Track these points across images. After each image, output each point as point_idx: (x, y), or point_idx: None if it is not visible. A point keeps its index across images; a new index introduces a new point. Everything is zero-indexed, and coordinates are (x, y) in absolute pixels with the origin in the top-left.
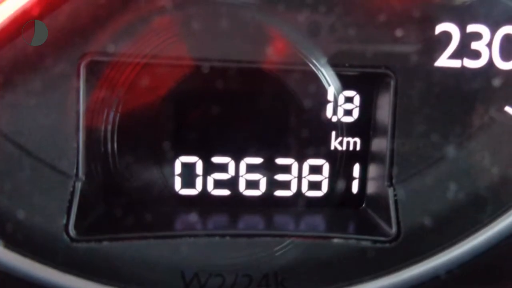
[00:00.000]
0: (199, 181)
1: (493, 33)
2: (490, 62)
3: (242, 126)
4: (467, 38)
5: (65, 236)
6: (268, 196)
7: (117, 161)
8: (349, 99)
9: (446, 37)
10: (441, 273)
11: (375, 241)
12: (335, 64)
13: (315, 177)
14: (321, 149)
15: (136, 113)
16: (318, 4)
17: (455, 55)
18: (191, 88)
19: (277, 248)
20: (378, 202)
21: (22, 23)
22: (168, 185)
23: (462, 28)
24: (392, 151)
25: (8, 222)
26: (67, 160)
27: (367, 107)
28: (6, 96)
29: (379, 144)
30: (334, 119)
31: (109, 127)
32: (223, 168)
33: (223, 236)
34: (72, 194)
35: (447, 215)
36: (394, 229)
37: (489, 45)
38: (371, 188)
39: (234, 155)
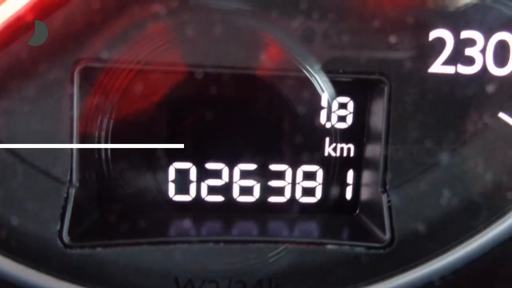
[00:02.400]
0: (193, 187)
1: (487, 39)
2: (484, 68)
3: (236, 132)
4: (461, 44)
5: (59, 242)
6: (262, 202)
7: (111, 168)
8: (343, 105)
9: (440, 43)
10: (435, 279)
11: (369, 247)
12: (329, 70)
13: (309, 183)
14: (315, 155)
15: (130, 120)
16: (312, 11)
17: (449, 61)
18: (185, 94)
19: (271, 254)
20: (372, 208)
21: (16, 29)
22: (162, 191)
23: (456, 34)
24: (385, 157)
25: (1, 228)
26: (61, 167)
27: (361, 113)
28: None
29: (373, 150)
30: (328, 125)
31: (103, 134)
32: (217, 174)
33: (217, 242)
34: (66, 200)
35: (441, 221)
36: (388, 235)
37: (483, 51)
38: (365, 194)
39: (228, 161)
